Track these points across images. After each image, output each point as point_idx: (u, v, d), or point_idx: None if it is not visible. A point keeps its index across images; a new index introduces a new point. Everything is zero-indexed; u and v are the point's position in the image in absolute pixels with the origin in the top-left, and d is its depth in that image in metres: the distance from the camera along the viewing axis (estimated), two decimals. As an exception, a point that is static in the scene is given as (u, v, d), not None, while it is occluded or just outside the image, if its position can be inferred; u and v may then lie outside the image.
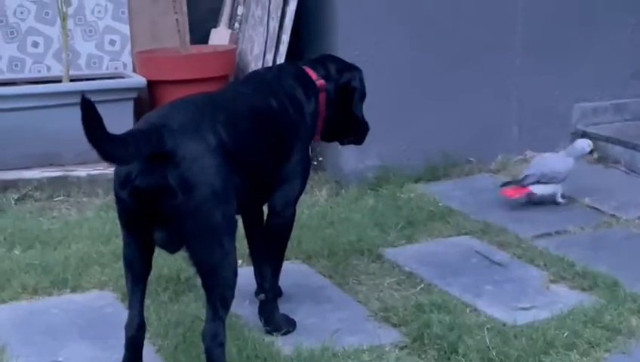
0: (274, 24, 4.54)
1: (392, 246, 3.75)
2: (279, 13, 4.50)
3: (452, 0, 4.62)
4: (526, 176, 4.12)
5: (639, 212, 4.03)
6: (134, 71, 4.88)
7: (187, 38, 4.91)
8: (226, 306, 2.58)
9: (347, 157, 4.54)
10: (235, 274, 2.60)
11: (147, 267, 2.67)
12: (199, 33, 5.11)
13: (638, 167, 4.55)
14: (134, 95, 4.62)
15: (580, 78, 4.94)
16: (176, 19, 4.75)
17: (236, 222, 2.64)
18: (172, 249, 2.63)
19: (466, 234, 3.87)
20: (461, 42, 4.68)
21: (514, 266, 3.52)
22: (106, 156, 2.35)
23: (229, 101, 2.82)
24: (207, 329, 2.54)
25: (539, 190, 4.11)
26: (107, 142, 2.32)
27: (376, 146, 4.52)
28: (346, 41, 4.45)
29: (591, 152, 4.36)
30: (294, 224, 3.06)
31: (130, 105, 4.59)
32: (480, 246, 3.72)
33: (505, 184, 4.20)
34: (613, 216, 4.01)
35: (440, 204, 4.22)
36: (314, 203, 4.25)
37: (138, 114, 4.67)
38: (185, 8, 4.98)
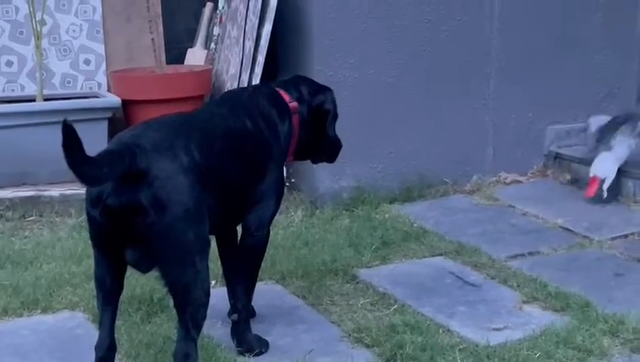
0: (250, 45, 4.55)
1: (366, 266, 3.74)
2: (255, 34, 4.50)
3: (427, 23, 4.64)
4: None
5: (611, 233, 4.05)
6: (109, 90, 4.86)
7: (163, 57, 4.91)
8: (198, 326, 2.57)
9: (322, 177, 4.54)
10: (207, 294, 2.59)
11: (118, 287, 2.65)
12: (175, 53, 5.12)
13: (610, 188, 4.57)
14: (109, 115, 4.60)
15: (554, 100, 4.98)
16: (152, 39, 4.75)
17: (209, 242, 2.64)
18: (144, 268, 2.61)
19: (440, 254, 3.88)
20: (436, 64, 4.71)
21: (487, 287, 3.52)
22: (83, 178, 2.34)
23: (203, 121, 2.82)
24: (178, 349, 2.53)
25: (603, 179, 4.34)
26: (85, 164, 2.32)
27: (351, 167, 4.55)
28: (322, 62, 4.47)
29: None
30: (269, 244, 3.07)
31: (105, 124, 4.57)
32: (454, 267, 3.73)
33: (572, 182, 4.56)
34: (585, 237, 4.04)
35: (415, 225, 4.23)
36: (289, 223, 4.24)
37: (112, 133, 4.65)
38: (161, 28, 4.98)
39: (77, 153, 2.27)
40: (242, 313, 3.00)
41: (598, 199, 4.40)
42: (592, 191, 4.41)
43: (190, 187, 2.51)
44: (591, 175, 4.41)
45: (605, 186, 4.38)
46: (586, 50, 5.01)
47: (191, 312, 2.54)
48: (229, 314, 3.10)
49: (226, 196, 2.73)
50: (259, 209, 2.95)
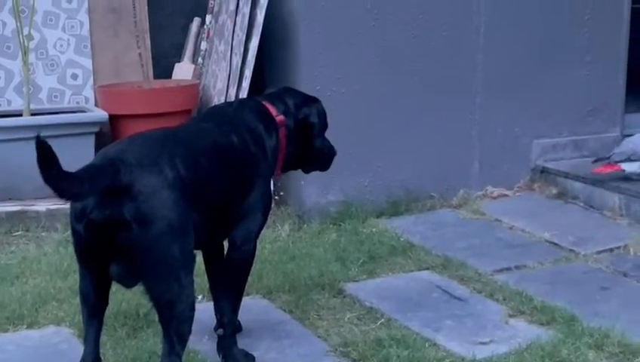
0: (237, 59, 4.56)
1: (353, 281, 3.75)
2: (242, 49, 4.52)
3: (414, 37, 4.66)
4: (614, 153, 4.46)
5: (597, 247, 4.07)
6: (96, 105, 4.86)
7: (150, 72, 4.91)
8: (183, 341, 2.56)
9: (309, 191, 4.55)
10: (192, 308, 2.58)
11: (103, 301, 2.65)
12: (163, 68, 5.12)
13: (596, 202, 4.61)
14: (96, 129, 4.60)
15: (540, 115, 5.01)
16: (139, 54, 4.76)
17: (194, 256, 2.63)
18: (129, 283, 2.61)
19: (427, 269, 3.89)
20: (423, 79, 4.73)
21: (473, 301, 3.53)
22: (62, 194, 2.33)
23: (189, 136, 2.82)
24: None
25: (628, 167, 4.41)
26: (62, 180, 2.31)
27: (338, 181, 4.56)
28: (309, 76, 4.48)
29: None
30: (255, 259, 3.05)
31: (92, 139, 4.56)
32: (440, 281, 3.74)
33: (596, 161, 4.54)
34: (571, 251, 4.05)
35: (401, 239, 4.24)
36: (276, 238, 4.25)
37: (100, 148, 4.62)
38: (148, 43, 4.99)
39: (53, 169, 2.27)
40: (228, 327, 2.99)
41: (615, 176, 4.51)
42: (607, 170, 4.50)
43: (174, 202, 2.50)
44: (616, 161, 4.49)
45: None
46: (571, 65, 5.04)
47: (176, 327, 2.53)
48: (215, 328, 3.09)
49: (212, 211, 2.73)
50: (245, 223, 2.93)
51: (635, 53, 5.26)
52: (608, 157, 4.53)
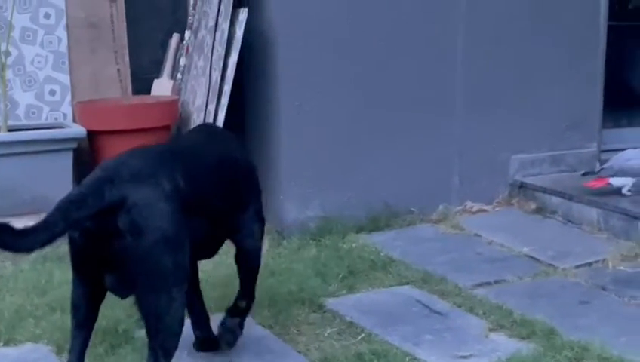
0: (216, 75, 4.56)
1: (333, 296, 3.74)
2: (221, 65, 4.52)
3: (394, 53, 4.68)
4: (603, 169, 4.55)
5: (576, 261, 4.08)
6: (74, 121, 4.84)
7: (129, 88, 4.90)
8: (168, 356, 2.55)
9: (289, 207, 4.54)
10: (181, 324, 2.58)
11: (93, 313, 2.66)
12: (141, 84, 5.10)
13: (574, 217, 4.63)
14: (74, 145, 4.57)
15: (518, 130, 5.04)
16: (118, 70, 4.74)
17: (187, 271, 2.62)
18: (123, 293, 2.60)
19: (407, 283, 3.88)
20: (402, 95, 4.74)
21: (453, 315, 3.53)
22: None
23: (189, 150, 2.89)
24: None
25: (615, 182, 4.49)
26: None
27: (318, 197, 4.56)
28: (288, 92, 4.49)
29: None
30: (234, 275, 3.11)
31: (70, 155, 4.53)
32: (420, 296, 3.73)
33: (585, 174, 4.64)
34: (550, 265, 4.06)
35: (381, 254, 4.23)
36: (255, 253, 4.22)
37: (78, 164, 4.63)
38: (127, 59, 4.97)
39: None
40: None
41: (602, 191, 4.56)
42: (597, 184, 4.56)
43: (170, 214, 2.51)
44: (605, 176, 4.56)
45: (625, 190, 4.52)
46: (549, 81, 5.08)
47: (162, 340, 2.52)
48: (194, 345, 3.08)
49: (208, 225, 2.76)
50: (247, 235, 3.06)
51: (611, 70, 5.31)
52: (597, 172, 4.57)
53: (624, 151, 4.64)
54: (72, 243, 2.54)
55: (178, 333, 2.57)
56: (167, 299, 2.51)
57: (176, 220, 2.52)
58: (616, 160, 4.59)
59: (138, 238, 2.45)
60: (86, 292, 2.61)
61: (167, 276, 2.51)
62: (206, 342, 3.15)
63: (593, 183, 4.58)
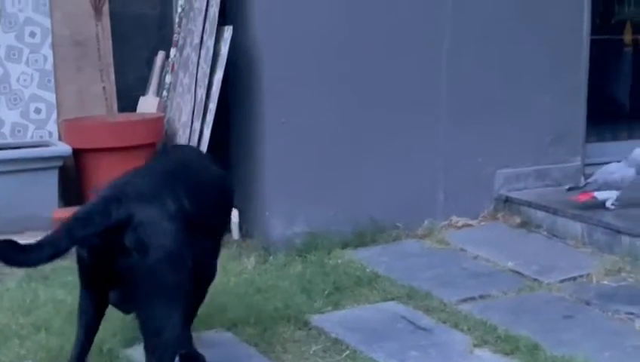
0: (201, 92, 4.57)
1: (318, 312, 3.74)
2: (206, 82, 4.53)
3: (378, 68, 4.70)
4: (588, 183, 4.58)
5: (560, 276, 4.10)
6: (60, 139, 4.84)
7: (114, 106, 4.91)
8: None
9: (275, 224, 4.55)
10: (179, 339, 2.69)
11: (98, 320, 2.78)
12: (127, 101, 5.11)
13: (559, 231, 4.66)
14: (59, 163, 4.58)
15: (503, 145, 5.06)
16: (103, 87, 4.75)
17: (188, 289, 2.70)
18: (126, 309, 2.73)
19: (392, 299, 3.89)
20: (387, 110, 4.77)
21: (438, 331, 3.54)
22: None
23: (187, 169, 2.99)
24: None
25: (600, 195, 4.54)
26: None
27: (303, 212, 4.58)
28: (273, 109, 4.51)
29: None
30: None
31: (55, 173, 4.55)
32: (406, 312, 3.74)
33: (570, 189, 4.66)
34: (535, 280, 4.08)
35: (367, 270, 4.24)
36: (241, 270, 4.24)
37: (64, 182, 4.63)
38: (112, 77, 4.99)
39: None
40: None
41: (588, 205, 4.59)
42: (582, 198, 4.59)
43: (175, 233, 2.61)
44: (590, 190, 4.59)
45: (608, 203, 4.57)
46: (533, 95, 5.11)
47: (160, 356, 2.61)
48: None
49: (206, 244, 2.90)
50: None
51: (594, 84, 5.34)
52: (582, 187, 4.61)
53: (607, 165, 4.67)
54: (80, 261, 2.65)
55: (175, 349, 2.68)
56: (168, 316, 2.61)
57: (180, 239, 2.62)
58: (600, 173, 4.62)
59: (144, 256, 2.54)
60: (93, 303, 2.73)
61: (169, 293, 2.61)
62: (189, 358, 3.16)
63: (579, 197, 4.60)
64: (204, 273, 3.06)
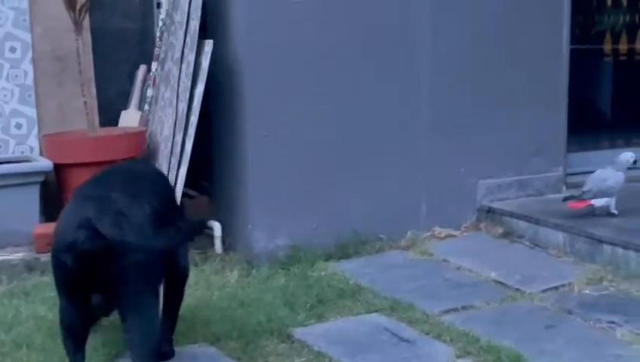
0: (182, 106, 4.57)
1: (301, 325, 3.74)
2: (188, 95, 4.53)
3: (359, 81, 4.72)
4: (584, 192, 4.60)
5: (543, 286, 4.11)
6: (41, 154, 4.83)
7: (96, 120, 4.89)
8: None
9: (258, 237, 4.55)
10: (159, 330, 2.89)
11: (87, 332, 2.87)
12: (109, 115, 5.11)
13: (541, 241, 4.67)
14: (41, 178, 4.56)
15: (485, 155, 5.08)
16: (85, 102, 4.73)
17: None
18: (108, 311, 2.85)
19: (376, 311, 3.89)
20: (369, 122, 4.77)
21: (421, 342, 3.54)
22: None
23: (149, 176, 3.17)
24: None
25: (597, 203, 4.59)
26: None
27: (286, 225, 4.57)
28: (254, 122, 4.51)
29: (635, 162, 4.70)
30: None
31: (37, 188, 4.53)
32: (389, 324, 3.74)
33: (566, 198, 4.68)
34: (517, 290, 4.09)
35: (350, 282, 4.24)
36: (224, 284, 4.23)
37: (45, 198, 4.61)
38: (93, 91, 4.98)
39: None
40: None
41: (584, 212, 4.64)
42: (579, 206, 4.62)
43: (153, 233, 2.78)
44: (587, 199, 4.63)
45: (612, 209, 4.63)
46: (514, 107, 5.14)
47: (146, 348, 2.77)
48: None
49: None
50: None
51: (575, 93, 5.38)
52: (578, 196, 4.63)
53: (596, 173, 4.68)
54: (63, 268, 2.70)
55: (157, 340, 2.86)
56: (151, 310, 2.80)
57: (158, 238, 2.81)
58: (593, 182, 4.63)
59: (130, 256, 2.68)
60: (79, 314, 2.79)
61: (152, 290, 2.82)
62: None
63: (576, 205, 4.63)
64: (179, 272, 3.25)
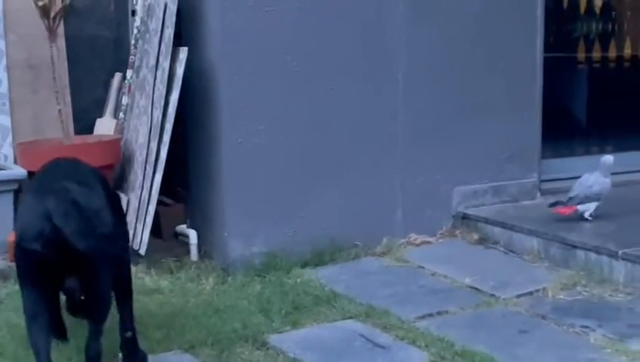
0: (157, 113, 4.56)
1: (277, 332, 3.74)
2: (162, 103, 4.53)
3: (334, 88, 4.73)
4: (570, 198, 4.66)
5: (517, 291, 4.13)
6: (15, 162, 4.80)
7: (71, 128, 4.87)
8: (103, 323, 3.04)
9: (233, 244, 4.54)
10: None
11: (51, 316, 3.04)
12: (84, 123, 5.09)
13: (516, 246, 4.70)
14: (14, 187, 4.54)
15: (460, 162, 5.11)
16: (59, 110, 4.72)
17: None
18: (79, 294, 2.99)
19: (351, 317, 3.90)
20: (344, 129, 4.79)
21: (396, 348, 3.55)
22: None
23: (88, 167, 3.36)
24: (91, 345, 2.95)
25: (581, 208, 4.66)
26: None
27: (262, 232, 4.58)
28: (229, 129, 4.51)
29: None
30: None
31: (10, 196, 4.51)
32: (364, 330, 3.75)
33: (553, 204, 4.73)
34: (492, 295, 4.11)
35: (326, 289, 4.25)
36: (200, 291, 4.23)
37: (19, 205, 4.58)
38: (68, 99, 4.96)
39: None
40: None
41: (573, 217, 4.70)
42: (566, 211, 4.68)
43: (111, 217, 3.02)
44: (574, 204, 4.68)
45: (587, 215, 4.68)
46: (489, 113, 5.16)
47: (103, 313, 3.03)
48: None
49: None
50: None
51: (549, 101, 5.42)
52: (565, 202, 4.67)
53: (582, 179, 4.71)
54: (30, 257, 2.83)
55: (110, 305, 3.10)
56: (108, 286, 3.04)
57: (114, 221, 3.06)
58: (580, 188, 4.68)
59: (97, 240, 2.87)
60: (45, 302, 2.94)
61: (109, 267, 3.03)
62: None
63: (563, 210, 4.68)
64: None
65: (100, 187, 3.14)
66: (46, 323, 2.94)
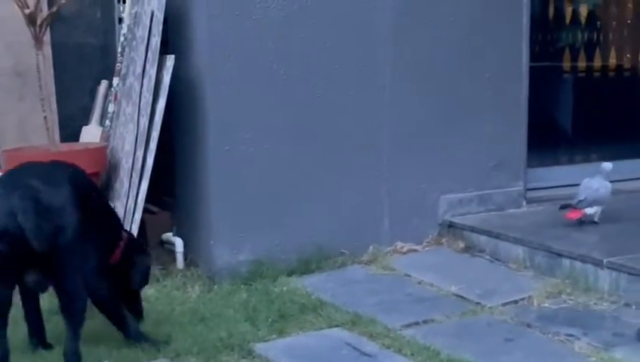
0: (144, 121, 4.56)
1: (263, 340, 3.73)
2: (149, 110, 4.52)
3: (321, 96, 4.74)
4: (579, 201, 4.72)
5: (502, 299, 4.15)
6: (0, 169, 4.77)
7: (57, 135, 4.85)
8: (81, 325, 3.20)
9: (220, 252, 4.54)
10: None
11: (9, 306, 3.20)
12: (70, 131, 5.08)
13: (501, 255, 4.71)
14: None
15: (446, 171, 5.12)
16: (45, 117, 4.70)
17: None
18: (44, 287, 3.26)
19: (337, 326, 3.90)
20: (331, 137, 4.80)
21: (382, 356, 3.55)
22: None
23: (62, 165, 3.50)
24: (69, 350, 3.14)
25: (589, 211, 4.75)
26: None
27: (249, 240, 4.57)
28: (217, 137, 4.51)
29: None
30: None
31: (-5, 204, 4.47)
32: (350, 338, 3.75)
33: (563, 207, 4.79)
34: (478, 303, 4.12)
35: (312, 297, 4.25)
36: (185, 299, 4.22)
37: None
38: (54, 106, 4.95)
39: None
40: None
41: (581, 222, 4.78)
42: (575, 216, 4.75)
43: (78, 214, 3.15)
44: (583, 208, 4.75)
45: (596, 218, 4.78)
46: (475, 121, 5.19)
47: (81, 312, 3.18)
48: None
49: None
50: None
51: (535, 110, 5.44)
52: (574, 205, 4.73)
53: (586, 183, 4.78)
54: None
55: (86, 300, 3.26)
56: (80, 280, 3.17)
57: (80, 218, 3.17)
58: (587, 191, 4.74)
59: (63, 235, 3.06)
60: (6, 295, 3.13)
61: (81, 261, 3.18)
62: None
63: (572, 215, 4.74)
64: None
65: (68, 186, 3.22)
66: (4, 313, 3.15)
